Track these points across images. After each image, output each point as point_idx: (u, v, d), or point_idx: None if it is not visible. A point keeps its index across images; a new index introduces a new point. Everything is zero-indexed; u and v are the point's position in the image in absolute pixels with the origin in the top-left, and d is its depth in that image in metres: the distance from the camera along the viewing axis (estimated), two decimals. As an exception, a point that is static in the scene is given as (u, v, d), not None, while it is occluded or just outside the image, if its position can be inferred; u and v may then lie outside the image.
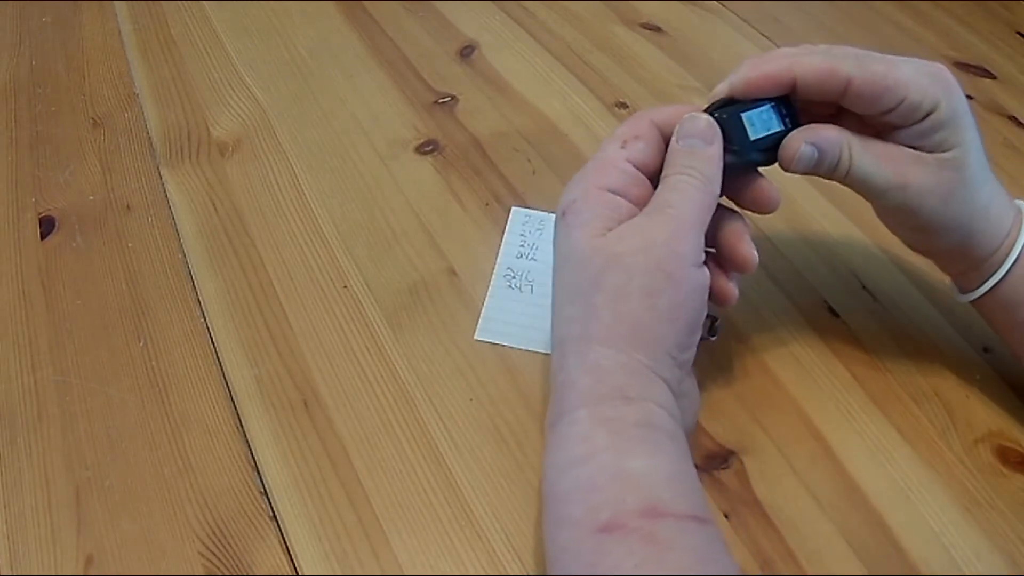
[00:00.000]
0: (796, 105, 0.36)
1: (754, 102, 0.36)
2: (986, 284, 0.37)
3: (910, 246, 0.40)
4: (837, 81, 0.34)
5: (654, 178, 0.36)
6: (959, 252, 0.37)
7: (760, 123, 0.35)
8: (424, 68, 0.60)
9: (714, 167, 0.34)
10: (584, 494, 0.30)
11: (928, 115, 0.34)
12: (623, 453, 0.30)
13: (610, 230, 0.34)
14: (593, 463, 0.30)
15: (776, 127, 0.36)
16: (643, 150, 0.36)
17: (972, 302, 0.38)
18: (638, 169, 0.36)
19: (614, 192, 0.35)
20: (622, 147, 0.36)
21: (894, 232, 0.39)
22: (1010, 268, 0.36)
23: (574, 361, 0.32)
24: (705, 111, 0.36)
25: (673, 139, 0.35)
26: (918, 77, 0.33)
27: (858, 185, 0.36)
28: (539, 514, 0.37)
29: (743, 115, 0.35)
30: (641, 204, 0.35)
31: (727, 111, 0.36)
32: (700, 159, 0.34)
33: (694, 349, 0.34)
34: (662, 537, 0.28)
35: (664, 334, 0.32)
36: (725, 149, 0.35)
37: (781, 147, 0.36)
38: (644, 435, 0.31)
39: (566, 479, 0.31)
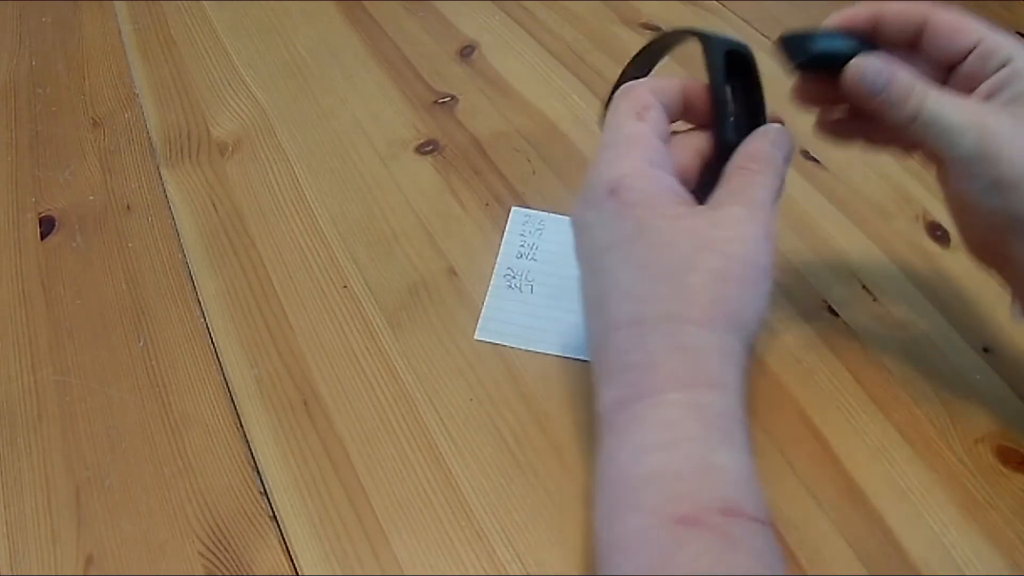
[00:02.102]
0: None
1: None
2: None
3: (979, 245, 0.36)
4: (917, 14, 0.34)
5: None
6: None
7: (825, 42, 0.35)
8: (424, 68, 0.60)
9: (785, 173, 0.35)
10: (665, 481, 0.29)
11: (1003, 66, 0.33)
12: (710, 445, 0.30)
13: (681, 207, 0.33)
14: (679, 451, 0.30)
15: (843, 46, 0.35)
16: (659, 119, 0.35)
17: None
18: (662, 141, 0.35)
19: (656, 167, 0.34)
20: (639, 120, 0.35)
21: (969, 200, 0.34)
22: None
23: (659, 341, 0.31)
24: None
25: (769, 145, 0.34)
26: (991, 31, 0.34)
27: (930, 128, 0.33)
28: (539, 514, 0.37)
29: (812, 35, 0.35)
30: (674, 176, 0.34)
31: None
32: (777, 174, 0.34)
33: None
34: (736, 537, 0.28)
35: (750, 320, 0.32)
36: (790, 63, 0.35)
37: (849, 64, 0.34)
38: (728, 428, 0.30)
39: (645, 463, 0.30)
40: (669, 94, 0.36)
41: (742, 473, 0.30)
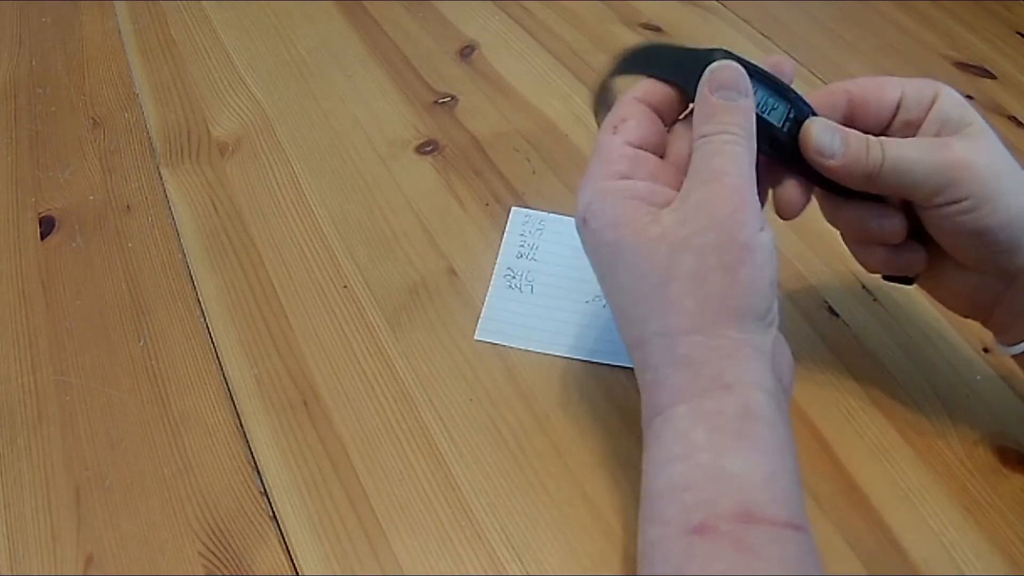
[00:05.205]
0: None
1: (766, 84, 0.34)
2: None
3: (969, 293, 0.36)
4: (839, 92, 0.34)
5: (657, 151, 0.35)
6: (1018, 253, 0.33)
7: (763, 103, 0.34)
8: (424, 68, 0.60)
9: (751, 120, 0.33)
10: (678, 493, 0.29)
11: (932, 104, 0.34)
12: (721, 451, 0.29)
13: (648, 215, 0.32)
14: (689, 461, 0.30)
15: (782, 108, 0.34)
16: (635, 128, 0.34)
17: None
18: (638, 147, 0.34)
19: (624, 178, 0.33)
20: (614, 134, 0.34)
21: (952, 225, 0.33)
22: None
23: (661, 358, 0.31)
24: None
25: (705, 90, 0.34)
26: (908, 79, 0.35)
27: (898, 173, 0.33)
28: (539, 514, 0.37)
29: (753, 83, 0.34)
30: (653, 179, 0.34)
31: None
32: (739, 114, 0.33)
33: (776, 303, 0.32)
34: (753, 543, 0.27)
35: (749, 303, 0.31)
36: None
37: (804, 127, 0.34)
38: (744, 429, 0.30)
39: (662, 477, 0.30)
40: (660, 95, 0.35)
41: (762, 476, 0.29)
